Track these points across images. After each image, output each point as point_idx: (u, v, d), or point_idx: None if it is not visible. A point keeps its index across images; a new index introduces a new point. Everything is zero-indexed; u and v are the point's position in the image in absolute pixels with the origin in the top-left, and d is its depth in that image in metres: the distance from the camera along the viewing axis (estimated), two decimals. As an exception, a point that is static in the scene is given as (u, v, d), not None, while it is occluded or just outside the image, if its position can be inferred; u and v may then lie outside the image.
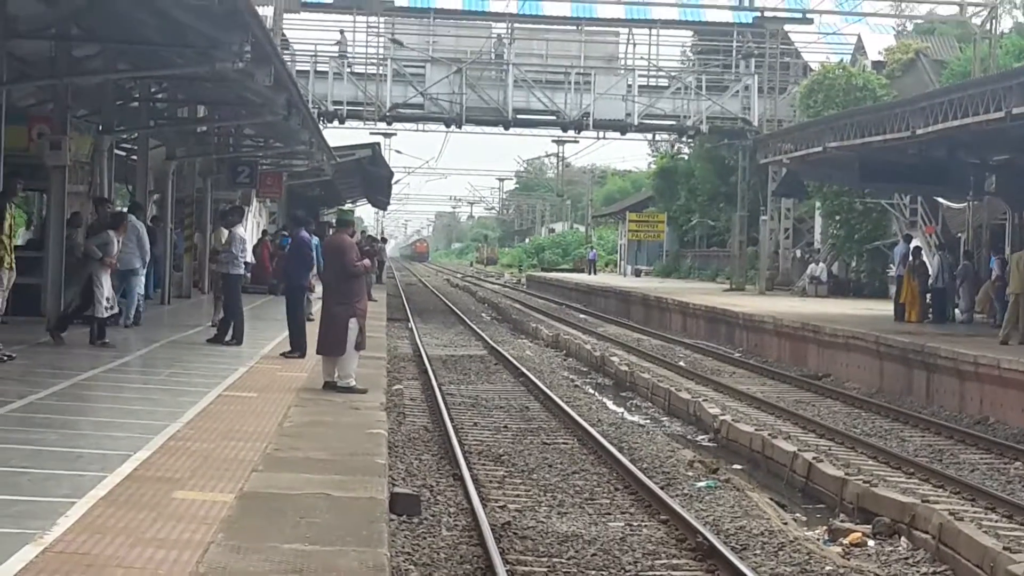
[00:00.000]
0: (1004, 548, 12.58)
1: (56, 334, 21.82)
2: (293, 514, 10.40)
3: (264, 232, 47.75)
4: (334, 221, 23.59)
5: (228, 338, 24.12)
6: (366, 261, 19.83)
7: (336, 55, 52.42)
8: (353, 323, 18.41)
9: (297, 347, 22.45)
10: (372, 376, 20.54)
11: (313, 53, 52.02)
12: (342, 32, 54.10)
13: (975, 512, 15.59)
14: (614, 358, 33.24)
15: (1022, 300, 28.51)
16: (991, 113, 27.02)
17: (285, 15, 52.40)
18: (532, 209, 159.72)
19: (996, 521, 15.18)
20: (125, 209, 27.87)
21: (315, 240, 25.92)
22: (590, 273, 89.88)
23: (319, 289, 22.81)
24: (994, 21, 50.56)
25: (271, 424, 14.90)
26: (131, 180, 35.11)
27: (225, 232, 26.86)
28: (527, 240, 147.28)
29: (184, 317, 29.42)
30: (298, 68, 48.11)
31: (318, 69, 51.12)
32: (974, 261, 38.53)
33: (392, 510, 13.32)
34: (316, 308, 23.33)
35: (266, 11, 40.71)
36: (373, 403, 17.64)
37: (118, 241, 22.64)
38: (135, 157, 35.00)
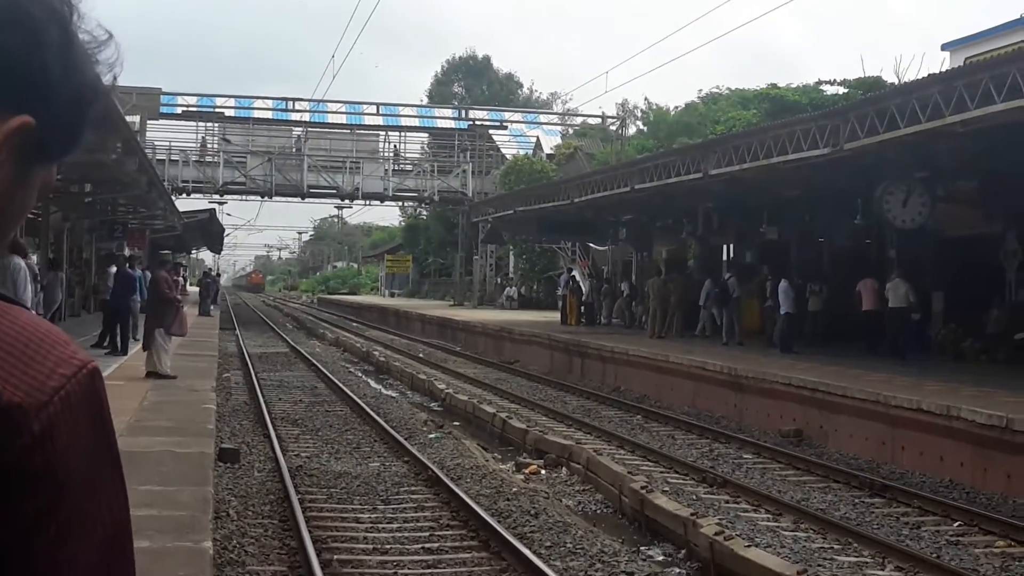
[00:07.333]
0: (628, 472, 12.90)
1: None
2: (147, 465, 10.06)
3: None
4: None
5: (106, 343, 23.21)
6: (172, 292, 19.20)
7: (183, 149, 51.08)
8: (160, 331, 17.90)
9: (111, 344, 21.96)
10: (206, 368, 20.04)
11: (168, 147, 50.47)
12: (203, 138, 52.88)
13: (611, 449, 15.95)
14: (376, 352, 33.01)
15: (658, 311, 29.36)
16: (622, 188, 27.79)
17: (149, 121, 50.93)
18: (322, 252, 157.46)
19: (624, 455, 15.55)
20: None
21: (137, 273, 25.02)
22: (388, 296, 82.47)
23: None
24: (623, 128, 52.26)
25: (134, 403, 14.38)
26: (36, 235, 33.55)
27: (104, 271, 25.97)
28: (318, 273, 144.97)
29: (77, 330, 28.22)
30: (157, 158, 46.69)
31: (171, 158, 49.68)
32: (612, 284, 39.41)
33: (220, 460, 13.02)
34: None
35: (133, 118, 39.36)
36: (206, 387, 17.19)
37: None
38: (40, 219, 33.51)
